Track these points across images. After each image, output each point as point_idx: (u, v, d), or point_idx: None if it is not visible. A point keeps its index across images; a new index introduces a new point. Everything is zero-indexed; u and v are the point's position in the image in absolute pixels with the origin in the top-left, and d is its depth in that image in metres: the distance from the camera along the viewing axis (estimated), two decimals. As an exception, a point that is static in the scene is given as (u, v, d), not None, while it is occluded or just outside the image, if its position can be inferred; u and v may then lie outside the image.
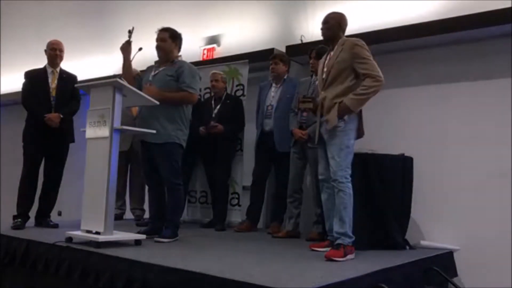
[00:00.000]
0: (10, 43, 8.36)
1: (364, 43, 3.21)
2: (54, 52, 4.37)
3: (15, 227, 4.00)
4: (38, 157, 4.29)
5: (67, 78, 4.40)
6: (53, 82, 4.33)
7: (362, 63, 3.13)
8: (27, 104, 4.31)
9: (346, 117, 3.11)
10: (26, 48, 7.67)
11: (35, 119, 4.22)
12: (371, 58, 3.16)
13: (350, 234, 3.05)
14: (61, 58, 4.44)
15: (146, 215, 5.06)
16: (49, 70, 4.37)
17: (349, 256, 2.98)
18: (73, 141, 4.45)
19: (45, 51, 4.43)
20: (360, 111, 3.21)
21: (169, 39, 3.73)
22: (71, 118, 4.40)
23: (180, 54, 3.86)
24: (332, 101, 3.17)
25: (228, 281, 2.25)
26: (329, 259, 2.89)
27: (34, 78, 4.33)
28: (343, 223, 3.04)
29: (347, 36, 3.31)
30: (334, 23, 3.29)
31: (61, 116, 4.21)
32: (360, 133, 3.25)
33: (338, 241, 3.02)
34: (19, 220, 4.09)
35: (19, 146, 4.35)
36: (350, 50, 3.16)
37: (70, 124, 4.39)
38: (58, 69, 4.40)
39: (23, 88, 4.39)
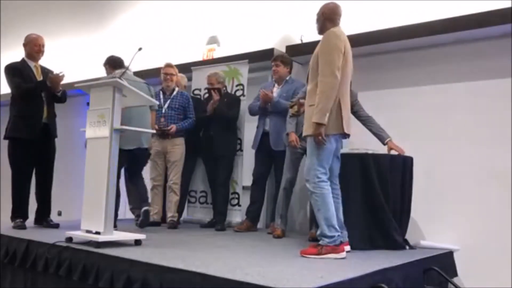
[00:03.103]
0: (10, 43, 8.36)
1: (335, 33, 3.02)
2: (39, 48, 4.32)
3: (17, 226, 4.00)
4: (28, 163, 4.21)
5: (48, 73, 4.29)
6: (39, 77, 4.28)
7: (319, 57, 2.99)
8: (23, 89, 4.10)
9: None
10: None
11: (36, 93, 4.11)
12: (333, 52, 2.95)
13: (328, 233, 2.98)
14: (43, 53, 4.38)
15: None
16: (31, 64, 4.30)
17: (331, 255, 2.94)
18: (55, 136, 4.37)
19: (24, 45, 4.34)
20: (339, 106, 3.03)
21: None
22: (54, 112, 4.34)
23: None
24: (307, 104, 3.09)
25: (228, 281, 2.25)
26: (302, 256, 2.96)
27: (19, 70, 4.19)
28: (320, 225, 3.03)
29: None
30: (321, 14, 3.19)
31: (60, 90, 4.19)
32: (342, 131, 3.07)
33: (320, 243, 3.03)
34: (20, 220, 4.09)
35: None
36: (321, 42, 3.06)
37: (54, 119, 4.33)
38: (38, 64, 4.36)
39: (12, 79, 4.13)
